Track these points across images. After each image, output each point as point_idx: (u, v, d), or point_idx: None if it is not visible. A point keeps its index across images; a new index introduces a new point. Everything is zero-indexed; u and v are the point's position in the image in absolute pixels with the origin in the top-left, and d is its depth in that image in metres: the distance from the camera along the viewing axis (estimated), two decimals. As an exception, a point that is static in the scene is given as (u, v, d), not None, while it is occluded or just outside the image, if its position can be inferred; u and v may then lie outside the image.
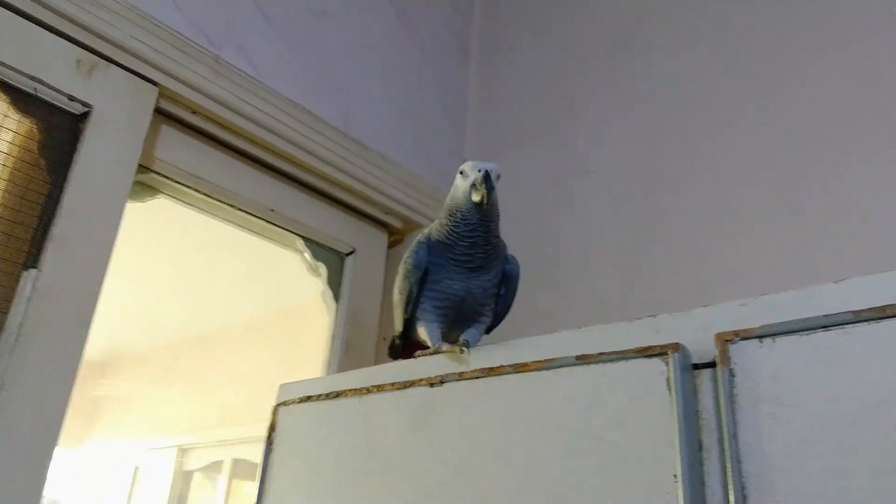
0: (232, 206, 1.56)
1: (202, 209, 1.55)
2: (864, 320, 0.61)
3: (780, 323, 0.66)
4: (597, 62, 1.94)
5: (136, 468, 4.30)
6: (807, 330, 0.64)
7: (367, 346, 1.74)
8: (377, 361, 1.77)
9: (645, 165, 1.69)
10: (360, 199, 1.80)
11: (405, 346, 1.14)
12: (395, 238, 1.98)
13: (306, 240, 1.72)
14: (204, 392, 4.08)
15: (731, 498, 0.62)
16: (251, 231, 1.65)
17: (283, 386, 1.26)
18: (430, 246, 1.04)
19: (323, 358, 1.69)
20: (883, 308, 0.60)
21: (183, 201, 1.51)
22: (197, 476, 4.17)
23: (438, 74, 2.14)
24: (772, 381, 0.65)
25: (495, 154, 2.09)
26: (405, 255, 1.06)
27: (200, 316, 3.99)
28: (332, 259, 1.77)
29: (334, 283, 1.74)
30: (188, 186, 1.48)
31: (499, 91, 2.20)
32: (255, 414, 3.64)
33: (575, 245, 1.73)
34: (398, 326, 1.13)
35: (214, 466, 4.01)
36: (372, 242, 1.87)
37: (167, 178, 1.44)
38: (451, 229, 1.02)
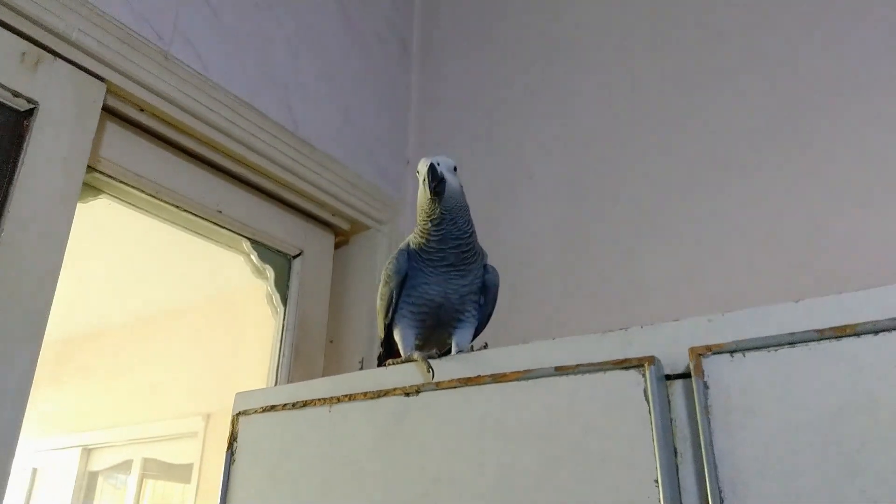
0: (178, 206, 1.51)
1: (146, 210, 1.49)
2: (826, 338, 0.68)
3: (749, 339, 0.72)
4: (536, 67, 1.99)
5: (35, 470, 4.07)
6: (774, 346, 0.71)
7: (314, 351, 1.73)
8: (325, 366, 1.77)
9: (585, 171, 1.75)
10: (308, 200, 1.78)
11: (389, 352, 1.15)
12: (341, 239, 1.97)
13: (253, 242, 1.69)
14: (110, 388, 3.90)
15: (710, 500, 0.68)
16: (197, 233, 1.61)
17: (239, 394, 1.24)
18: (409, 253, 1.06)
19: (270, 362, 1.67)
20: (843, 327, 0.67)
21: (126, 202, 1.45)
22: (102, 477, 4.00)
23: (381, 74, 2.14)
24: (742, 392, 0.71)
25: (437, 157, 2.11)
26: (387, 262, 1.08)
27: (109, 308, 3.80)
28: (279, 261, 1.75)
29: (282, 285, 1.72)
30: (133, 187, 1.42)
31: (441, 93, 2.23)
32: (167, 410, 3.53)
33: (517, 250, 1.78)
34: (380, 333, 1.15)
35: (123, 466, 3.86)
36: (319, 244, 1.86)
37: (111, 177, 1.38)
38: (421, 228, 1.05)
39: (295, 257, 1.79)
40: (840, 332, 0.67)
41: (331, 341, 1.82)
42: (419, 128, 2.22)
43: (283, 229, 1.75)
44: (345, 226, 1.91)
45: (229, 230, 1.63)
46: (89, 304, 3.66)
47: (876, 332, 0.66)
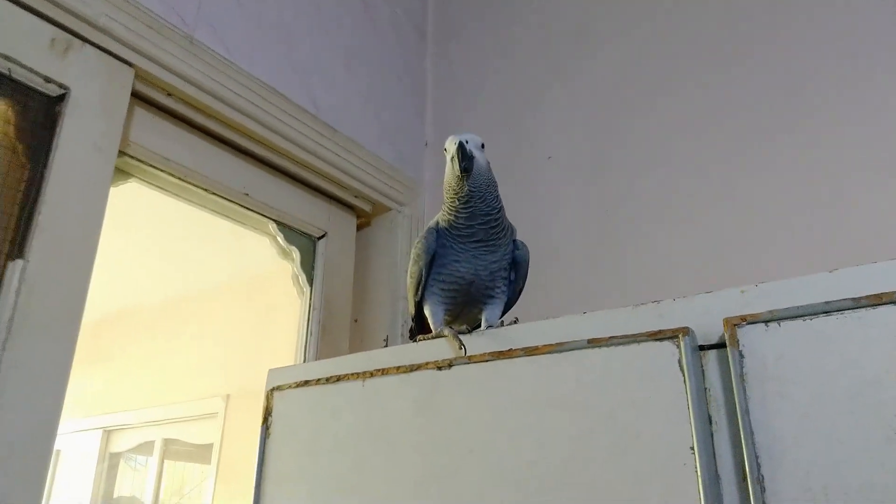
0: (206, 190, 1.53)
1: (175, 194, 1.52)
2: (862, 307, 0.69)
3: (784, 308, 0.73)
4: (552, 49, 1.99)
5: (57, 452, 4.14)
6: (809, 315, 0.71)
7: (340, 329, 1.76)
8: (351, 343, 1.79)
9: (606, 151, 1.76)
10: (331, 182, 1.80)
11: (420, 329, 1.17)
12: (363, 221, 1.99)
13: (279, 224, 1.71)
14: (130, 371, 3.96)
15: (746, 467, 0.69)
16: (224, 216, 1.63)
17: (272, 370, 1.27)
18: (439, 231, 1.07)
19: (298, 341, 1.70)
20: (879, 296, 0.68)
21: (156, 185, 1.47)
22: (124, 459, 4.07)
23: (398, 57, 2.14)
24: (777, 361, 0.72)
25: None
26: (416, 241, 1.10)
27: (127, 291, 3.84)
28: (304, 243, 1.77)
29: (307, 266, 1.75)
30: (162, 170, 1.44)
31: (457, 76, 2.23)
32: (187, 392, 3.59)
33: (539, 230, 1.79)
34: (411, 310, 1.17)
35: (144, 447, 3.93)
36: (342, 226, 1.88)
37: (141, 161, 1.40)
38: (449, 206, 1.06)
39: (319, 238, 1.81)
40: (876, 301, 0.68)
41: (355, 320, 1.85)
42: (436, 111, 2.23)
43: (308, 211, 1.77)
44: (367, 207, 1.93)
45: (256, 212, 1.65)
46: (106, 288, 3.70)
47: (912, 300, 0.67)
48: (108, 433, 4.07)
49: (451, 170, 1.04)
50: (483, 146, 1.08)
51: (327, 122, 1.75)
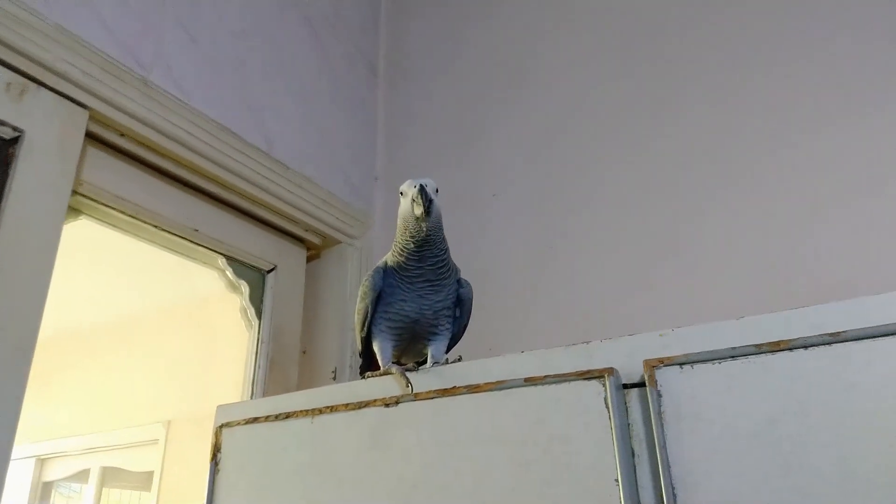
0: (156, 226, 1.56)
1: (125, 230, 1.54)
2: (763, 352, 0.78)
3: (697, 353, 0.82)
4: (498, 87, 2.07)
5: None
6: (718, 359, 0.80)
7: (289, 361, 1.79)
8: (300, 377, 1.82)
9: (548, 190, 1.85)
10: (282, 217, 1.84)
11: (368, 363, 1.21)
12: (313, 254, 2.04)
13: (228, 258, 1.74)
14: (67, 396, 3.85)
15: (664, 496, 0.77)
16: (173, 251, 1.65)
17: (220, 407, 1.29)
18: (386, 271, 1.13)
19: (245, 374, 1.72)
20: (778, 343, 0.77)
21: (106, 222, 1.49)
22: (56, 488, 3.95)
23: (350, 94, 2.21)
24: (690, 400, 0.81)
25: (405, 174, 2.18)
26: (363, 280, 1.15)
27: (65, 316, 3.74)
28: (253, 276, 1.80)
29: (256, 299, 1.78)
30: (113, 208, 1.47)
31: (408, 112, 2.30)
32: (128, 419, 3.52)
33: (483, 265, 1.86)
34: (358, 345, 1.22)
35: (79, 476, 3.82)
36: (292, 259, 1.92)
37: (92, 199, 1.42)
38: (401, 247, 1.11)
39: (269, 272, 1.84)
40: (775, 347, 0.77)
41: (304, 352, 1.88)
42: (387, 145, 2.29)
43: (257, 245, 1.81)
44: (316, 240, 1.97)
45: (205, 247, 1.68)
46: (45, 313, 3.59)
47: (807, 347, 0.76)
48: (41, 461, 3.94)
49: (408, 212, 1.08)
50: (437, 191, 1.13)
51: (279, 158, 1.79)
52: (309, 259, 2.02)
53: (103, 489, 3.76)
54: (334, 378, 1.82)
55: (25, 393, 1.11)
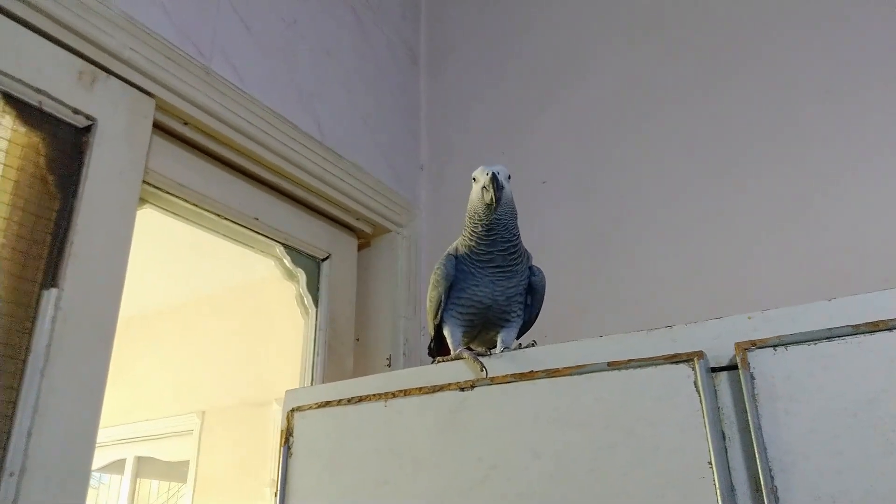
0: (218, 215, 1.58)
1: (188, 219, 1.56)
2: (861, 333, 0.77)
3: (791, 334, 0.81)
4: (545, 73, 2.05)
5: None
6: (814, 340, 0.79)
7: (345, 349, 1.81)
8: (355, 363, 1.84)
9: (600, 174, 1.83)
10: (335, 206, 1.85)
11: (438, 348, 1.22)
12: (363, 242, 2.05)
13: (286, 247, 1.76)
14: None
15: (761, 478, 0.76)
16: (234, 239, 1.67)
17: (289, 392, 1.31)
18: (458, 258, 1.13)
19: (303, 360, 1.74)
20: (876, 323, 0.76)
21: (169, 211, 1.51)
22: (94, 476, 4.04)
23: (393, 81, 2.21)
24: (784, 382, 0.80)
25: (449, 162, 2.19)
26: (435, 267, 1.15)
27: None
28: (309, 265, 1.82)
29: (312, 287, 1.80)
30: (177, 196, 1.49)
31: (450, 99, 2.29)
32: (162, 409, 3.57)
33: (535, 254, 1.85)
34: (430, 331, 1.22)
35: (114, 466, 3.90)
36: (344, 248, 1.93)
37: (157, 188, 1.44)
38: (471, 232, 1.11)
39: (323, 260, 1.86)
40: (873, 327, 0.76)
41: (357, 340, 1.90)
42: (430, 134, 2.29)
43: (313, 234, 1.82)
44: (367, 229, 1.99)
45: (265, 236, 1.70)
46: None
47: (906, 327, 0.75)
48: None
49: (478, 198, 1.09)
50: (510, 177, 1.14)
51: (331, 146, 1.80)
52: (360, 248, 2.03)
53: (139, 479, 3.83)
54: (389, 365, 1.84)
55: (108, 376, 1.13)
